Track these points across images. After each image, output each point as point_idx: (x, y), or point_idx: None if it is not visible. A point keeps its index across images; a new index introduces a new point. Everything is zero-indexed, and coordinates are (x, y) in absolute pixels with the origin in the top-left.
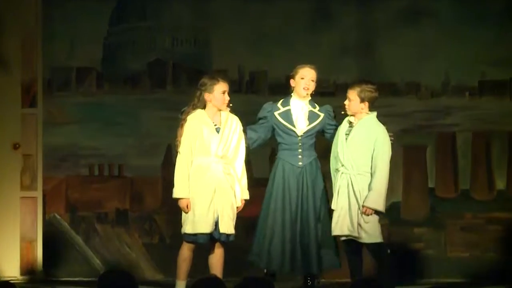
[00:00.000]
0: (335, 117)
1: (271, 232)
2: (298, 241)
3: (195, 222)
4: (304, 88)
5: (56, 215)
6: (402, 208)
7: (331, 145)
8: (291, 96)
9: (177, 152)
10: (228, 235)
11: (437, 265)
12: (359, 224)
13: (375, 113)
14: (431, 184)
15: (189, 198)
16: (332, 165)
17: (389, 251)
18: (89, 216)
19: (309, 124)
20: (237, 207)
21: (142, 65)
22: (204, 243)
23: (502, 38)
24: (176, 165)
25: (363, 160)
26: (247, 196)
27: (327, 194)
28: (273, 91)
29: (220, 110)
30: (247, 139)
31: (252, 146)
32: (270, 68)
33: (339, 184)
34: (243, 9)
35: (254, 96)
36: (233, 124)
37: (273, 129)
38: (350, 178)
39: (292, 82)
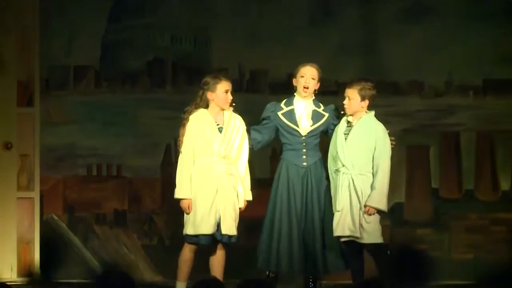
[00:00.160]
0: (339, 116)
1: (278, 233)
2: (304, 242)
3: (197, 223)
4: (304, 87)
5: (54, 216)
6: (405, 209)
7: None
8: (294, 95)
9: (179, 152)
10: (230, 236)
11: (441, 267)
12: (360, 225)
13: (373, 112)
14: (434, 185)
15: (191, 199)
16: (331, 166)
17: (389, 252)
18: (87, 217)
19: (313, 124)
20: (239, 208)
21: (141, 64)
22: (206, 245)
23: (506, 37)
24: (178, 165)
25: (364, 160)
26: (250, 197)
27: None
28: (274, 90)
29: (223, 109)
30: (251, 139)
31: (256, 147)
32: (271, 67)
33: (340, 184)
34: (243, 7)
35: (255, 95)
36: (236, 123)
37: (277, 130)
38: (352, 178)
39: (294, 81)
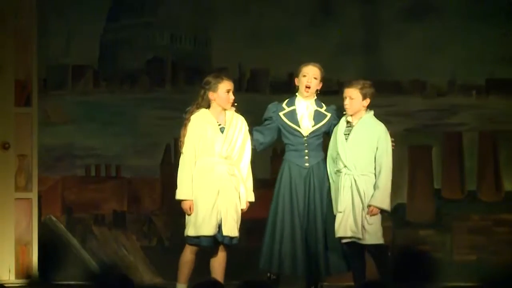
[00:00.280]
0: (341, 117)
1: (281, 235)
2: (306, 243)
3: (198, 225)
4: (306, 86)
5: (52, 217)
6: (407, 210)
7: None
8: (296, 95)
9: (180, 153)
10: (231, 238)
11: (444, 269)
12: (362, 226)
13: (372, 112)
14: (437, 185)
15: (192, 200)
16: (331, 167)
17: (389, 253)
18: (85, 218)
19: (314, 124)
20: (241, 209)
21: (140, 63)
22: (207, 246)
23: (509, 36)
24: (179, 166)
25: (366, 160)
26: (252, 198)
27: None
28: (275, 90)
29: (224, 109)
30: (253, 140)
31: (259, 148)
32: (271, 66)
33: (342, 185)
34: (243, 6)
35: (256, 94)
36: (238, 124)
37: (280, 130)
38: (354, 179)
39: (296, 80)
